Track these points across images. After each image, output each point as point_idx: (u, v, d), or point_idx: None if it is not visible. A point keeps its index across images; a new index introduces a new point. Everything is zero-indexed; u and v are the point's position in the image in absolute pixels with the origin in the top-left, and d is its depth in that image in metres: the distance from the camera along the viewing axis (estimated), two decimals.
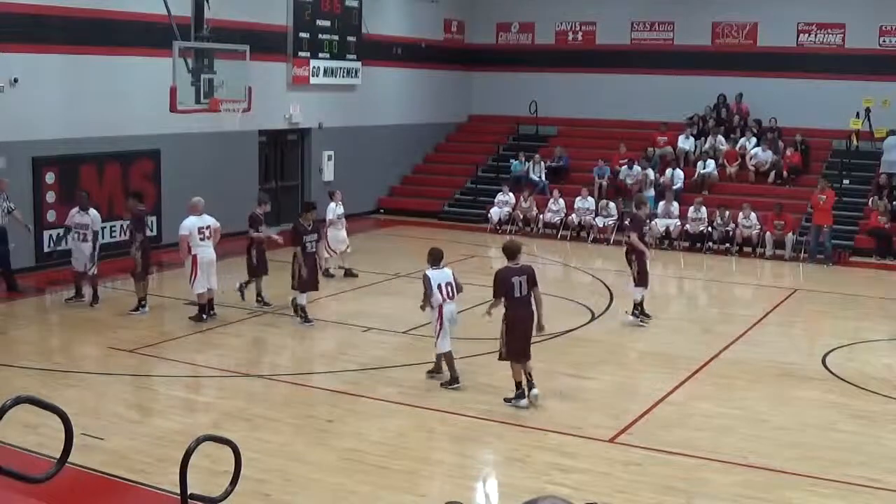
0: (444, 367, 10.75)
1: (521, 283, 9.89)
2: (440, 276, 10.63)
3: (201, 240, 13.17)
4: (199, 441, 5.71)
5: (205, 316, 13.30)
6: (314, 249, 13.42)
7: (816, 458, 8.78)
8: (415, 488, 7.98)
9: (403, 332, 12.92)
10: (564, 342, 12.89)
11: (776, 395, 10.78)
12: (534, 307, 10.01)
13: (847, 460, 8.73)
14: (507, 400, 10.03)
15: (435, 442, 9.10)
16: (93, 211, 14.34)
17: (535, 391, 9.96)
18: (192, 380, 10.90)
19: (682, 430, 9.51)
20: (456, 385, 10.53)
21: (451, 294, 10.63)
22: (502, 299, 9.96)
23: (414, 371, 11.47)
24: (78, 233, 14.26)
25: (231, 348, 12.40)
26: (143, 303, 13.75)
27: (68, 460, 4.46)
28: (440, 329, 10.54)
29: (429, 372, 10.95)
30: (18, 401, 4.31)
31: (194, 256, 13.13)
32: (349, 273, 16.46)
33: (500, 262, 20.05)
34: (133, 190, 15.53)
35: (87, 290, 14.38)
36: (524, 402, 9.94)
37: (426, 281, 10.58)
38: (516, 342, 9.91)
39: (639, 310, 13.89)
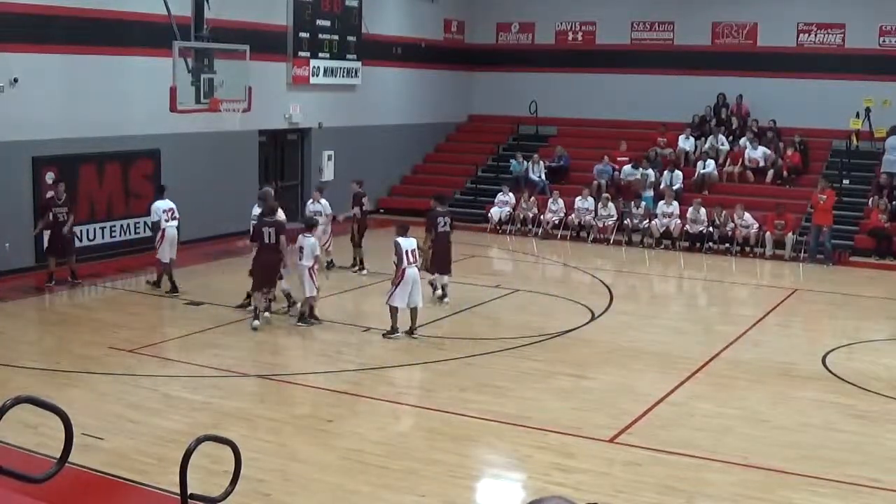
0: (409, 323, 12.77)
1: (269, 232, 12.93)
2: (407, 243, 12.67)
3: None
4: (199, 441, 5.71)
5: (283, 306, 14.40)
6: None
7: (816, 458, 8.78)
8: (415, 488, 7.97)
9: (403, 332, 12.90)
10: (564, 342, 12.90)
11: (776, 395, 10.77)
12: (281, 252, 13.01)
13: (847, 460, 8.73)
14: (253, 327, 12.82)
15: (435, 442, 9.09)
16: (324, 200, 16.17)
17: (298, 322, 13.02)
18: (192, 380, 10.89)
19: (682, 430, 9.52)
20: (395, 335, 12.59)
21: (415, 259, 12.77)
22: (257, 243, 13.05)
23: (414, 371, 11.49)
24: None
25: (231, 348, 12.39)
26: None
27: (68, 460, 4.46)
28: (398, 288, 12.52)
29: (384, 334, 12.66)
30: (18, 401, 4.31)
31: None
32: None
33: (500, 261, 20.26)
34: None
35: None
36: (257, 322, 12.88)
37: (397, 246, 12.58)
38: (259, 276, 13.03)
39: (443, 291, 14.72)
